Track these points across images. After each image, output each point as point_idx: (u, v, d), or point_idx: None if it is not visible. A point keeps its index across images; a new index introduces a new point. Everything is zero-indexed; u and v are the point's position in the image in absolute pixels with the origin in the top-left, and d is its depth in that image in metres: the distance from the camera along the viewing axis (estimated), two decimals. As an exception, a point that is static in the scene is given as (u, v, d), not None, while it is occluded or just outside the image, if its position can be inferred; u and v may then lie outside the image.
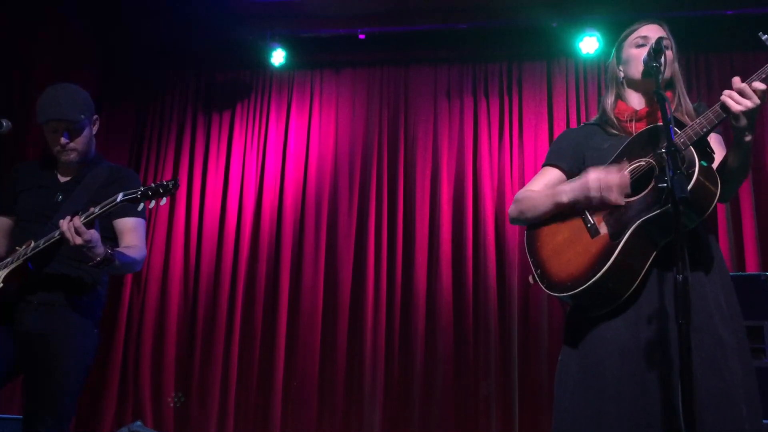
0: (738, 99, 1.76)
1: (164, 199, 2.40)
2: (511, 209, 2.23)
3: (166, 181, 2.40)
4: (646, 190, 1.89)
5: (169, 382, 5.12)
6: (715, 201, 1.82)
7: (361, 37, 5.28)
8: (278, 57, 5.39)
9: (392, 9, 5.25)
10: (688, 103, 2.09)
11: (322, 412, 4.95)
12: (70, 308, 2.58)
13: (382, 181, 5.34)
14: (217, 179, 5.53)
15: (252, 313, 5.21)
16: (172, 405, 5.07)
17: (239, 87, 5.75)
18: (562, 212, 2.06)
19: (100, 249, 2.37)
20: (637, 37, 2.13)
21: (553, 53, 5.32)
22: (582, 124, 2.35)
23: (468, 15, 5.20)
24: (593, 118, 2.26)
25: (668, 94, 2.07)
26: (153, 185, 2.39)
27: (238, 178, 5.51)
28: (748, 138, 1.80)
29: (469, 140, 5.29)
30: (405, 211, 5.26)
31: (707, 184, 1.81)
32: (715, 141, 2.04)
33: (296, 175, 5.46)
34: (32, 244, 2.48)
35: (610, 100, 2.18)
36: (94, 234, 2.34)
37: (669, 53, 2.09)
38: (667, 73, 2.07)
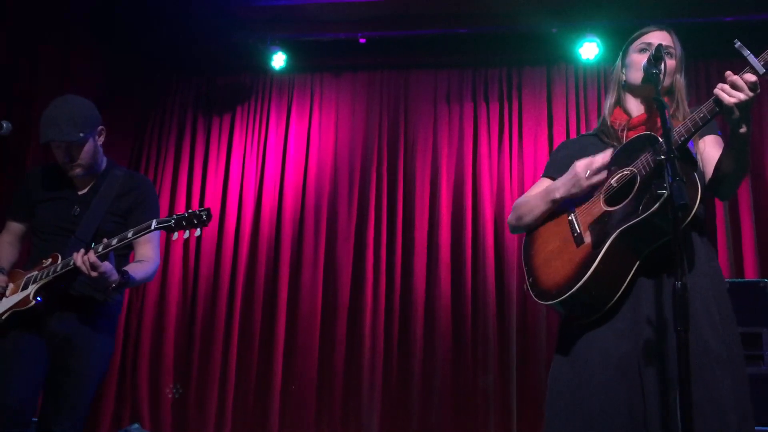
0: (730, 91, 1.77)
1: (199, 230, 2.43)
2: (510, 217, 2.26)
3: (200, 211, 2.43)
4: (627, 199, 1.91)
5: (167, 385, 5.11)
6: (696, 206, 1.81)
7: (362, 41, 5.29)
8: (279, 60, 5.41)
9: (393, 14, 5.25)
10: (687, 112, 2.09)
11: (320, 415, 4.95)
12: (92, 315, 2.62)
13: (381, 185, 5.35)
14: (216, 182, 5.54)
15: (251, 316, 5.21)
16: (170, 396, 5.07)
17: (240, 90, 5.76)
18: (554, 220, 2.09)
19: (114, 277, 2.45)
20: (641, 43, 2.14)
21: (553, 59, 5.33)
22: (579, 135, 2.39)
23: (468, 20, 5.20)
24: (594, 127, 2.27)
25: (665, 100, 2.08)
26: (186, 214, 2.43)
27: (238, 181, 5.52)
28: (743, 130, 1.80)
29: (469, 145, 5.30)
30: (404, 215, 5.27)
31: (687, 189, 1.80)
32: (713, 142, 2.05)
33: (296, 178, 5.46)
34: (60, 261, 2.53)
35: (609, 102, 2.21)
36: (107, 266, 2.42)
37: (671, 62, 2.09)
38: (667, 81, 2.07)
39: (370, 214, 5.29)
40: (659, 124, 1.95)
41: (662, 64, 1.95)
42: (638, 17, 4.73)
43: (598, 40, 4.97)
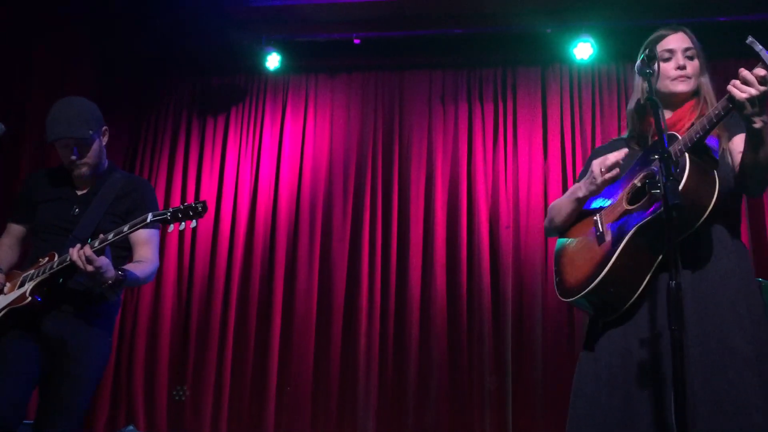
0: (741, 87, 1.80)
1: (194, 222, 2.43)
2: (545, 221, 2.33)
3: (195, 203, 2.43)
4: (645, 198, 1.93)
5: (162, 387, 5.10)
6: (712, 203, 1.83)
7: (357, 42, 5.29)
8: (273, 61, 5.40)
9: (387, 14, 5.25)
10: None
11: (315, 417, 4.94)
12: (89, 315, 2.61)
13: (376, 186, 5.35)
14: (211, 183, 5.53)
15: (246, 317, 5.20)
16: (176, 399, 5.06)
17: (234, 91, 5.74)
18: (582, 222, 2.14)
19: (111, 273, 2.43)
20: (662, 50, 2.15)
21: (547, 59, 5.33)
22: (611, 140, 2.42)
23: (463, 21, 5.20)
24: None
25: (692, 102, 2.12)
26: (182, 207, 2.42)
27: (233, 182, 5.51)
28: (757, 125, 1.82)
29: (464, 145, 5.30)
30: (399, 215, 5.26)
31: (701, 186, 1.81)
32: (741, 140, 2.05)
33: (290, 179, 5.46)
34: (56, 259, 2.52)
35: (633, 106, 2.22)
36: (104, 260, 2.40)
37: (695, 63, 2.14)
38: (693, 84, 2.12)
39: (364, 215, 5.28)
40: (687, 125, 1.98)
41: (655, 64, 1.98)
42: (632, 18, 4.73)
43: (592, 41, 4.95)
